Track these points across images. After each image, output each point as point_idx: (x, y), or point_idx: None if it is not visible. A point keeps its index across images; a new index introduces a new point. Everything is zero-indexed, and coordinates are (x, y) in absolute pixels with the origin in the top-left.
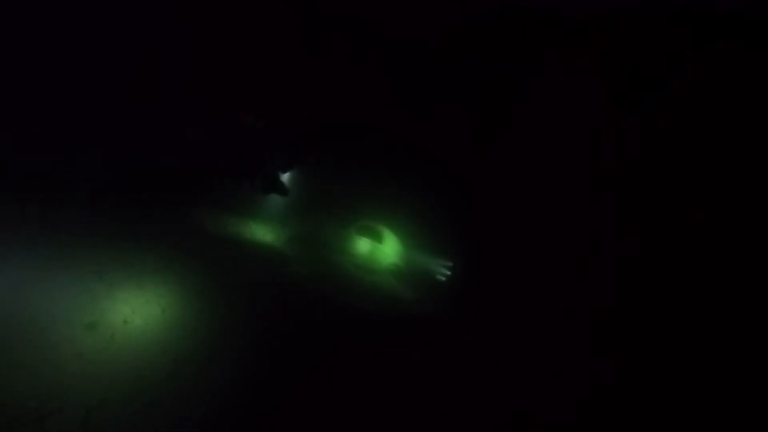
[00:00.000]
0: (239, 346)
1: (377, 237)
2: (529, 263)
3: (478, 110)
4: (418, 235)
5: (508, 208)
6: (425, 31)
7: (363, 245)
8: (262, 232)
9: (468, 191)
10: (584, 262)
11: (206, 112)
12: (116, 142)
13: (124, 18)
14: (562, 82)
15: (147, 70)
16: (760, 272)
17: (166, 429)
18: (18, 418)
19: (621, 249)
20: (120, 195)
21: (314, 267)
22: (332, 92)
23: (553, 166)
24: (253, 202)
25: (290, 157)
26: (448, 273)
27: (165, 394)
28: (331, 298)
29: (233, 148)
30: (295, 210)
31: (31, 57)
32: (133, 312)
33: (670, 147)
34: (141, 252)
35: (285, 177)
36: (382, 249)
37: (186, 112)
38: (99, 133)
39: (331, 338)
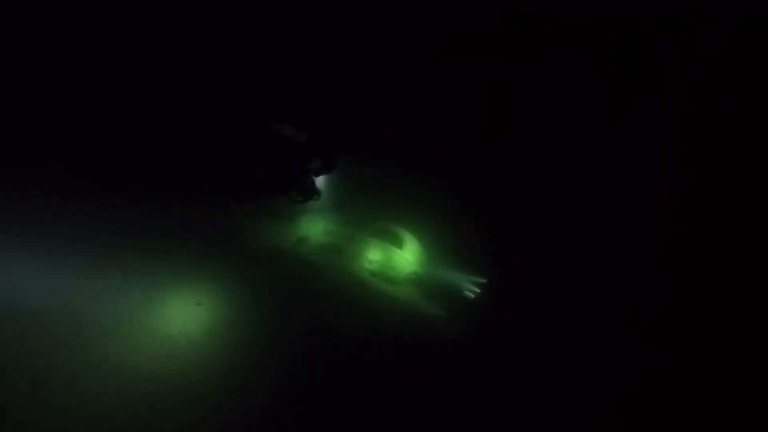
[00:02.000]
0: (217, 386)
1: (397, 241)
2: (565, 284)
3: (479, 110)
4: (443, 242)
5: (520, 214)
6: (425, 31)
7: (380, 250)
8: (262, 235)
9: (477, 189)
10: (624, 277)
11: (243, 113)
12: (111, 143)
13: (124, 18)
14: (562, 82)
15: (147, 70)
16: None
17: None
18: None
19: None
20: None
21: (324, 274)
22: (341, 91)
23: (554, 166)
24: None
25: (325, 162)
26: (478, 291)
27: None
28: (341, 311)
29: (275, 160)
30: (304, 209)
31: (28, 57)
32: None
33: (670, 147)
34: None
35: (318, 181)
36: (402, 255)
37: (219, 113)
38: (98, 133)
39: (340, 365)
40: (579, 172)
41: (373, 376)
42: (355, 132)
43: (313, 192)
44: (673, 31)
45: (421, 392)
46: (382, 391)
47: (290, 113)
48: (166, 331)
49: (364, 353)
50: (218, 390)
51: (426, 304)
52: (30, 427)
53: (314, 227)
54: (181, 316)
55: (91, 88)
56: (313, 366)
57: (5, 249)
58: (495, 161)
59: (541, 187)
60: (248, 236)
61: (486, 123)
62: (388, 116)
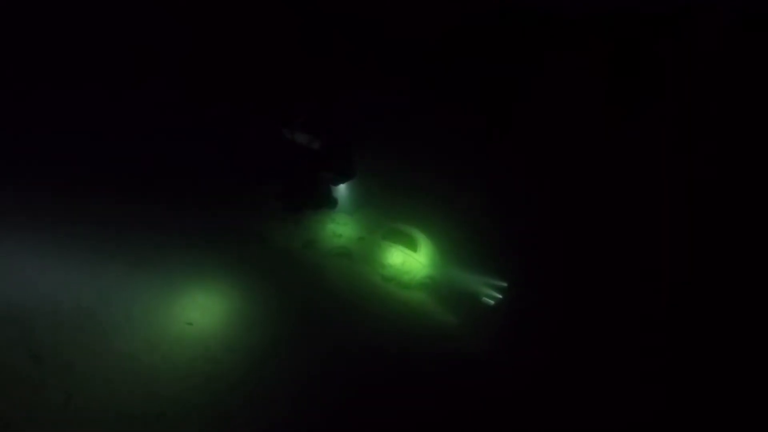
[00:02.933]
0: (209, 424)
1: (410, 244)
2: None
3: (479, 110)
4: (459, 243)
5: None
6: (425, 31)
7: (393, 254)
8: (264, 240)
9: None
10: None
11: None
12: (106, 146)
13: (124, 18)
14: (562, 82)
15: (147, 70)
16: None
17: None
18: None
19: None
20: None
21: (333, 281)
22: (342, 92)
23: (554, 166)
24: (253, 197)
25: (344, 170)
26: (499, 296)
27: None
28: (352, 321)
29: (290, 172)
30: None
31: (29, 57)
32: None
33: (670, 147)
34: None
35: (338, 190)
36: (416, 258)
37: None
38: (98, 134)
39: (350, 383)
40: (579, 172)
41: (386, 390)
42: (362, 133)
43: (329, 201)
44: (673, 31)
45: (439, 406)
46: (397, 406)
47: (300, 119)
48: (148, 359)
49: (376, 366)
50: (210, 428)
51: (442, 310)
52: None
53: (322, 230)
54: (167, 339)
55: (91, 88)
56: (321, 390)
57: None
58: (497, 159)
59: (540, 186)
60: (248, 242)
61: (487, 122)
62: (393, 115)
